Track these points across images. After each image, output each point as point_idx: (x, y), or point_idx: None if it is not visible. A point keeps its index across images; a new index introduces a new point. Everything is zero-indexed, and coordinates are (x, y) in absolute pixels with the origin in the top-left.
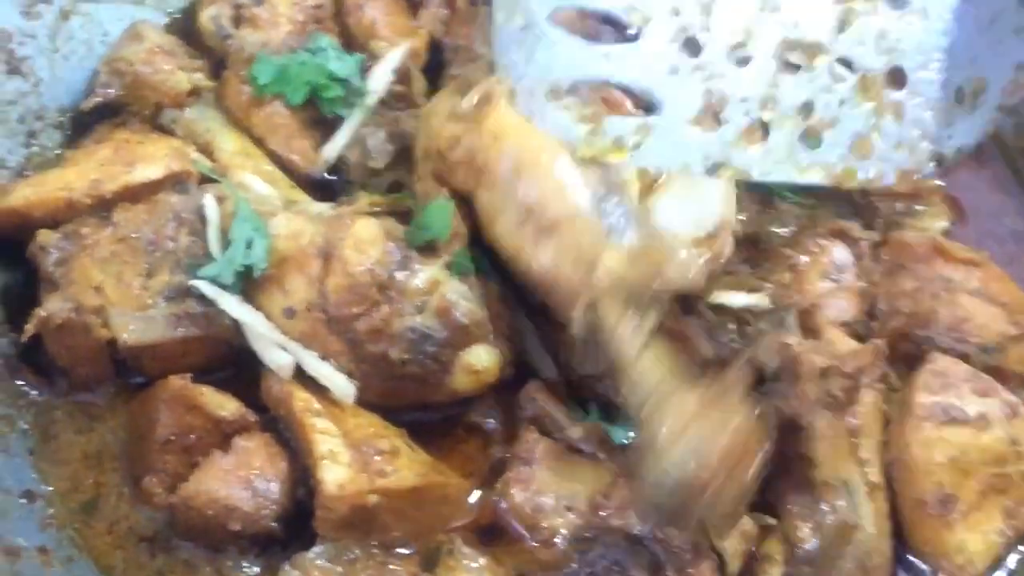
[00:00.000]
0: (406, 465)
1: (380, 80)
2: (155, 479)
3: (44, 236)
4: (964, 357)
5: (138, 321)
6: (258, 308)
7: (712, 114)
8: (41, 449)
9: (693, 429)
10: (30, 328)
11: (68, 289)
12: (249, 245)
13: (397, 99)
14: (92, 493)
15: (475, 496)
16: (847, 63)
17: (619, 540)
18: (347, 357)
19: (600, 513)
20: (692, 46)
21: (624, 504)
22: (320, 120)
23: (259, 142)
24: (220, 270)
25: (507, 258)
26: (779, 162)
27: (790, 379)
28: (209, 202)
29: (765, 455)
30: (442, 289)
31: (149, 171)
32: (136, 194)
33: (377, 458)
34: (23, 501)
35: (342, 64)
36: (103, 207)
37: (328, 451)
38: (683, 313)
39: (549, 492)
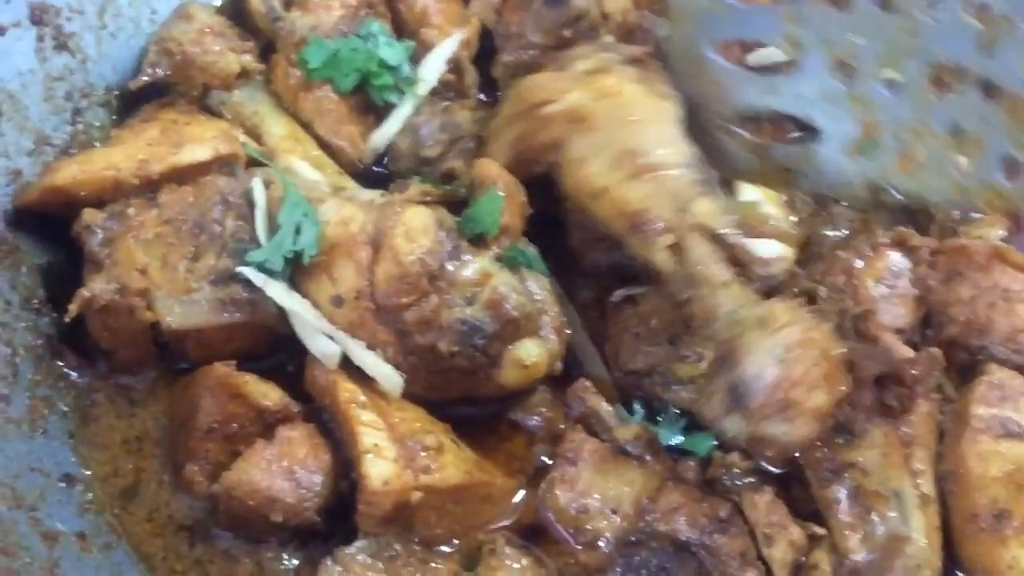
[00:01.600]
0: (451, 462)
1: (433, 69)
2: (196, 467)
3: (90, 215)
4: (1021, 369)
5: (183, 305)
6: (305, 295)
7: (870, 138)
8: (81, 432)
9: (801, 322)
10: (73, 308)
11: (113, 270)
12: (298, 231)
13: (447, 89)
14: (132, 479)
15: (519, 496)
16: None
17: (665, 546)
18: (395, 348)
19: (646, 517)
20: (846, 71)
21: (671, 509)
22: (369, 107)
23: (306, 127)
24: (268, 255)
25: (591, 199)
26: (933, 183)
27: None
28: (257, 186)
29: (845, 391)
30: (493, 281)
31: (197, 152)
32: (183, 175)
33: (422, 454)
34: (62, 485)
35: (392, 51)
36: (150, 188)
37: (373, 445)
38: None
39: (594, 494)
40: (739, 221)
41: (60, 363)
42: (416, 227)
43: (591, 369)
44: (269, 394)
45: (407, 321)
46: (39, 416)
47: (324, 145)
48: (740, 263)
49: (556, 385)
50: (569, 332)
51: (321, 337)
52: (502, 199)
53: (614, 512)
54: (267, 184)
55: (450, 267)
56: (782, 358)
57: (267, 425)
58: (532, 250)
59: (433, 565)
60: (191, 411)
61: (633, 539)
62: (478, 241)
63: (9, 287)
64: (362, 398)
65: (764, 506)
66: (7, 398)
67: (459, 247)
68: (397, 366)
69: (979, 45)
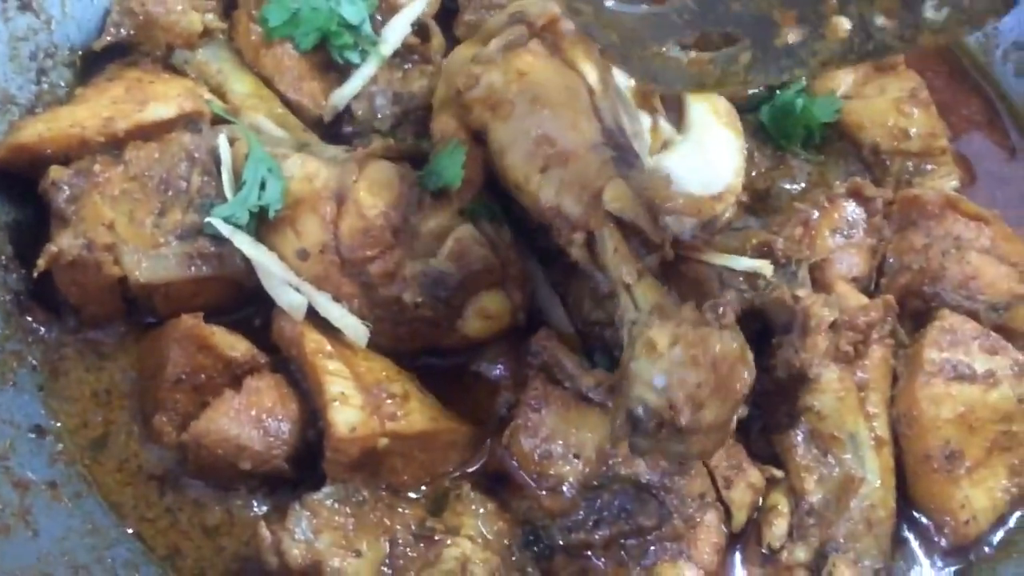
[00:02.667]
0: (416, 409)
1: (398, 30)
2: (165, 417)
3: (56, 172)
4: (972, 314)
5: (150, 259)
6: (271, 249)
7: None
8: (51, 386)
9: (683, 341)
10: (41, 264)
11: (79, 226)
12: (263, 186)
13: (410, 52)
14: (101, 431)
15: (484, 443)
16: None
17: (627, 488)
18: (360, 300)
19: (608, 461)
20: None
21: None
22: (331, 65)
23: (268, 83)
24: (234, 210)
25: (514, 189)
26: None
27: (800, 332)
28: (223, 142)
29: (750, 383)
30: (456, 234)
31: (161, 110)
32: (148, 133)
33: (388, 401)
34: (32, 436)
35: (354, 9)
36: (115, 145)
37: (339, 393)
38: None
39: (557, 440)
40: (650, 199)
41: (29, 318)
42: (379, 181)
43: (553, 320)
44: (236, 345)
45: (372, 273)
46: (8, 370)
47: (286, 102)
48: (653, 245)
49: (520, 335)
50: (531, 283)
51: (287, 289)
52: (464, 152)
53: (576, 457)
54: (232, 141)
55: (413, 220)
56: (665, 385)
57: (235, 376)
58: (494, 204)
59: (400, 510)
60: (159, 363)
61: (595, 483)
62: (440, 195)
63: None
64: (328, 348)
65: (724, 449)
66: None
67: (422, 200)
68: (363, 318)
69: None
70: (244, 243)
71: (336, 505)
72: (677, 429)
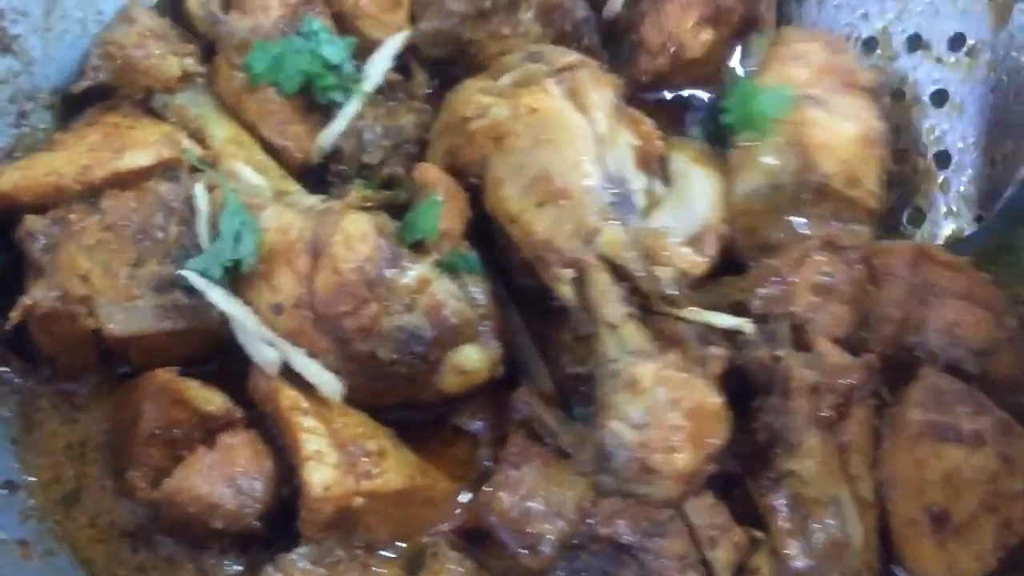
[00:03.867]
0: (393, 467)
1: (378, 67)
2: (138, 473)
3: (32, 222)
4: (957, 362)
5: (125, 312)
6: (246, 303)
7: None
8: (24, 438)
9: (667, 383)
10: (15, 316)
11: (54, 276)
12: (237, 238)
13: (393, 89)
14: (74, 485)
15: (462, 499)
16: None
17: (607, 548)
18: (335, 355)
19: (588, 520)
20: None
21: (612, 512)
22: (314, 106)
23: (251, 128)
24: (208, 263)
25: (506, 222)
26: None
27: (780, 394)
28: (199, 192)
29: (723, 441)
30: (432, 288)
31: (139, 158)
32: (125, 181)
33: (364, 459)
34: (4, 492)
35: (334, 49)
36: (92, 193)
37: (314, 451)
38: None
39: (537, 497)
40: (643, 250)
41: (4, 368)
42: (354, 234)
43: (533, 373)
44: (212, 399)
45: (346, 329)
46: None
47: (269, 147)
48: (642, 294)
49: (499, 389)
50: (511, 336)
51: (262, 344)
52: (441, 204)
53: (556, 515)
54: (210, 189)
55: (389, 274)
56: (643, 423)
57: (210, 430)
58: (473, 254)
59: (375, 569)
60: (133, 417)
61: (575, 542)
62: (418, 247)
63: None
64: (304, 404)
65: (706, 509)
66: None
67: (398, 253)
68: (338, 373)
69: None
70: (218, 297)
71: (309, 565)
72: (647, 469)
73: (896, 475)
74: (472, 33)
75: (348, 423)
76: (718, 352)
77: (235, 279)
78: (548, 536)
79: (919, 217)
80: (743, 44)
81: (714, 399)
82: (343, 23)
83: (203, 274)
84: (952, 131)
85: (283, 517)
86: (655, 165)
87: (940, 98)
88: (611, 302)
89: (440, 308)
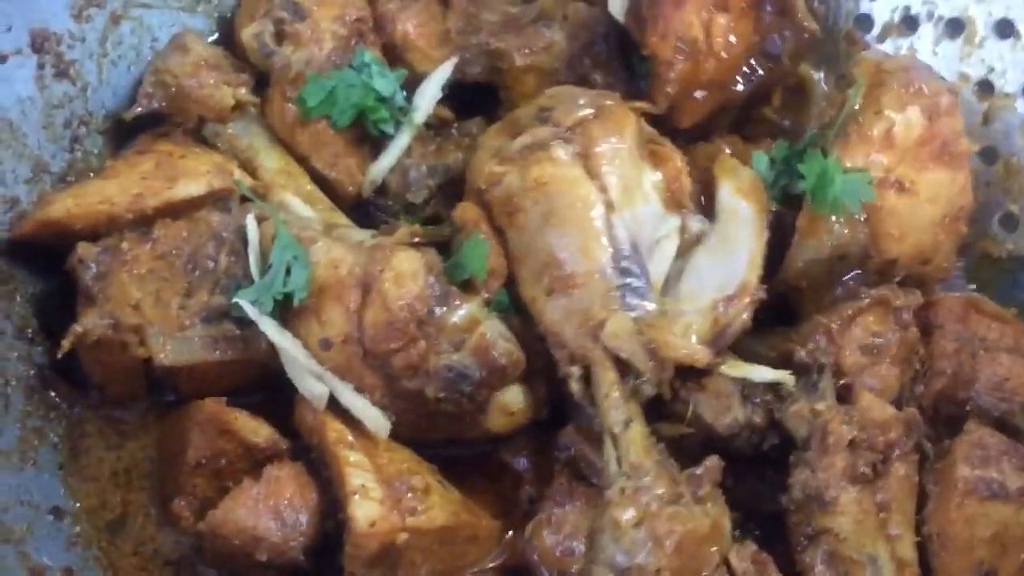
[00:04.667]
0: (437, 503)
1: (427, 98)
2: (184, 502)
3: (84, 250)
4: (1008, 416)
5: (175, 342)
6: (295, 336)
7: None
8: (70, 464)
9: (648, 521)
10: (66, 344)
11: (106, 305)
12: (288, 271)
13: (443, 124)
14: (119, 512)
15: (506, 538)
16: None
17: None
18: (382, 392)
19: None
20: None
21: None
22: (365, 137)
23: (303, 160)
24: (259, 294)
25: (527, 303)
26: None
27: (817, 450)
28: (251, 223)
29: (721, 556)
30: (481, 328)
31: (191, 187)
32: (178, 210)
33: (409, 495)
34: (51, 518)
35: (386, 81)
36: (144, 222)
37: (360, 486)
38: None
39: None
40: (648, 342)
41: (52, 393)
42: (405, 272)
43: (577, 413)
44: (259, 431)
45: (394, 366)
46: (30, 447)
47: (321, 179)
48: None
49: (544, 427)
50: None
51: (310, 377)
52: (487, 244)
53: None
54: (260, 220)
55: (438, 312)
56: (626, 567)
57: (256, 461)
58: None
59: None
60: (180, 446)
61: None
62: (467, 286)
63: (3, 316)
64: (350, 438)
65: (751, 555)
66: None
67: (448, 292)
68: (384, 409)
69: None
70: (270, 328)
71: None
72: None
73: (945, 533)
74: (502, 42)
75: (394, 459)
76: (713, 463)
77: (285, 312)
78: None
79: (1012, 222)
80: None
81: (703, 522)
82: (392, 55)
83: (254, 305)
84: None
85: (327, 551)
86: (688, 201)
87: None
88: (613, 407)
89: (489, 348)
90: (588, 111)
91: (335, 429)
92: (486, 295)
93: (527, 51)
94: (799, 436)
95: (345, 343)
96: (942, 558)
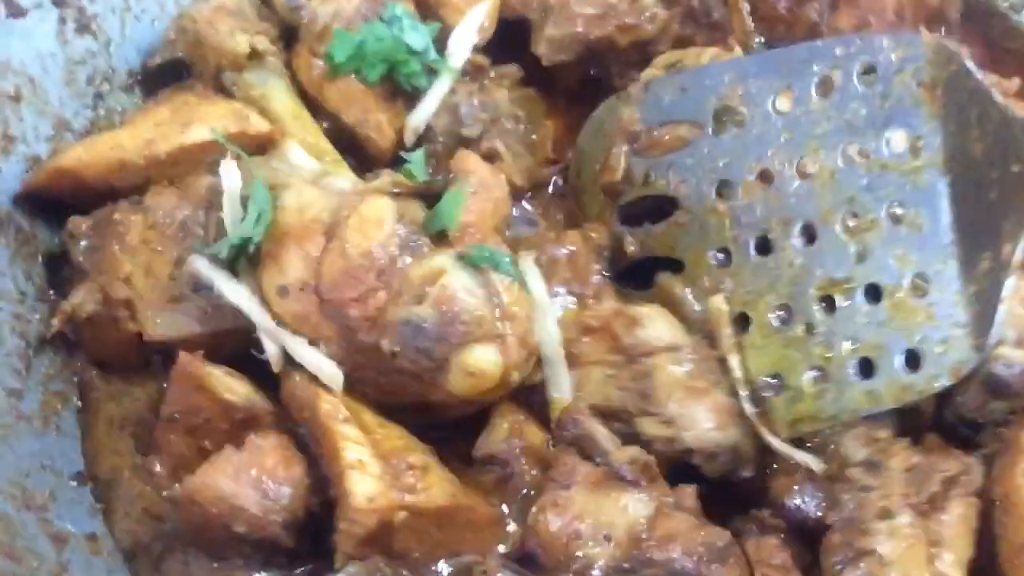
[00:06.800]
0: (436, 483)
1: (462, 44)
2: (157, 459)
3: (74, 223)
4: None
5: (165, 315)
6: (259, 285)
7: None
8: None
9: None
10: (56, 322)
11: (97, 279)
12: (259, 220)
13: (479, 71)
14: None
15: (509, 526)
16: (876, 288)
17: (659, 574)
18: (339, 345)
19: (641, 544)
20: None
21: (667, 536)
22: (397, 92)
23: (333, 117)
24: (221, 246)
25: None
26: (842, 401)
27: (875, 471)
28: (227, 170)
29: None
30: (444, 280)
31: (204, 132)
32: (191, 156)
33: (408, 473)
34: (73, 484)
35: (417, 35)
36: (156, 168)
37: (357, 460)
38: None
39: (587, 519)
40: None
41: (74, 357)
42: (370, 218)
43: (554, 392)
44: (235, 388)
45: (351, 316)
46: (52, 412)
47: (352, 135)
48: None
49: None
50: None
51: (263, 333)
52: (464, 196)
53: (607, 539)
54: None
55: (402, 262)
56: None
57: (235, 423)
58: (506, 253)
59: None
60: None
61: (626, 566)
62: (440, 238)
63: (24, 278)
64: (344, 413)
65: (768, 547)
66: (19, 393)
67: (417, 242)
68: (341, 363)
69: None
70: (221, 284)
71: None
72: None
73: (1009, 499)
74: (600, 31)
75: (389, 435)
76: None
77: (247, 260)
78: (598, 561)
79: None
80: None
81: None
82: (425, 10)
83: (216, 256)
84: None
85: (311, 531)
86: None
87: None
88: None
89: (450, 302)
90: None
91: (328, 402)
92: (461, 248)
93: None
94: (853, 459)
95: (302, 291)
96: (1005, 524)
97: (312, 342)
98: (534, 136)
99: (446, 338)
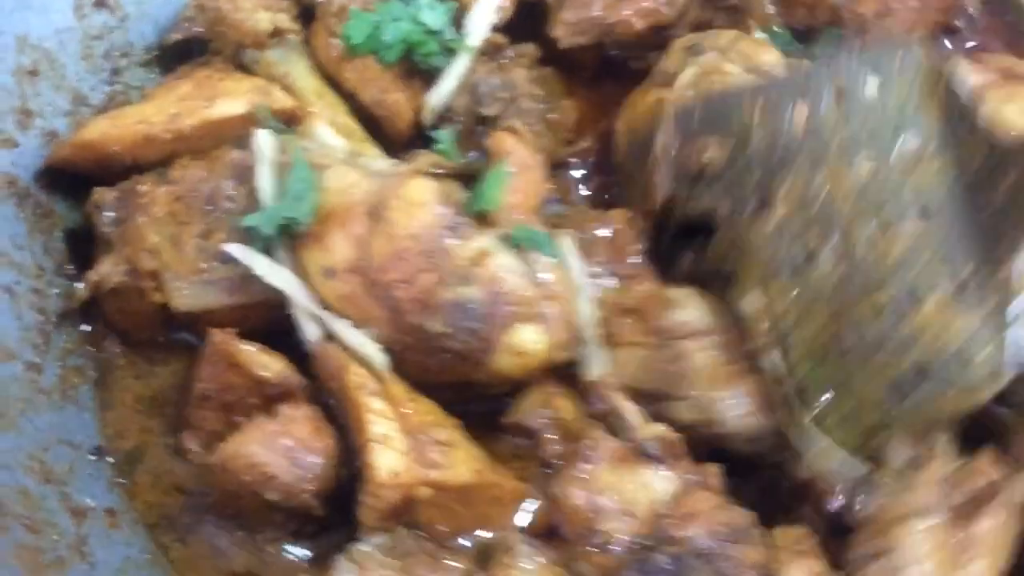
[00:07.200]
0: (462, 460)
1: (480, 21)
2: (190, 435)
3: (99, 195)
4: None
5: (193, 286)
6: (301, 265)
7: None
8: (105, 399)
9: None
10: (83, 292)
11: (123, 250)
12: (299, 198)
13: (498, 49)
14: (137, 442)
15: (532, 504)
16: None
17: (680, 552)
18: (386, 326)
19: (662, 522)
20: None
21: (689, 514)
22: (415, 71)
23: (350, 97)
24: (262, 220)
25: None
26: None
27: (912, 467)
28: (261, 139)
29: None
30: (489, 260)
31: (230, 106)
32: (217, 130)
33: (434, 448)
34: (92, 458)
35: (435, 14)
36: (181, 143)
37: (382, 434)
38: None
39: (609, 494)
40: None
41: (89, 328)
42: (415, 200)
43: (586, 372)
44: (269, 365)
45: (399, 298)
46: (70, 386)
47: (369, 116)
48: None
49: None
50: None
51: (304, 315)
52: (506, 176)
53: (629, 514)
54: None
55: (448, 243)
56: None
57: (268, 398)
58: (545, 233)
59: (446, 562)
60: (191, 378)
61: (647, 543)
62: (483, 219)
63: (43, 252)
64: (372, 385)
65: (797, 535)
66: (38, 367)
67: (461, 223)
68: (389, 345)
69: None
70: (259, 265)
71: (382, 556)
72: None
73: None
74: (616, 15)
75: (418, 409)
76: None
77: (291, 240)
78: (620, 535)
79: None
80: None
81: None
82: None
83: (255, 231)
84: None
85: (339, 502)
86: None
87: None
88: None
89: (497, 283)
90: (734, 32)
91: (357, 374)
92: (505, 229)
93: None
94: (895, 461)
95: (349, 272)
96: None
97: (356, 325)
98: (553, 115)
99: (493, 318)
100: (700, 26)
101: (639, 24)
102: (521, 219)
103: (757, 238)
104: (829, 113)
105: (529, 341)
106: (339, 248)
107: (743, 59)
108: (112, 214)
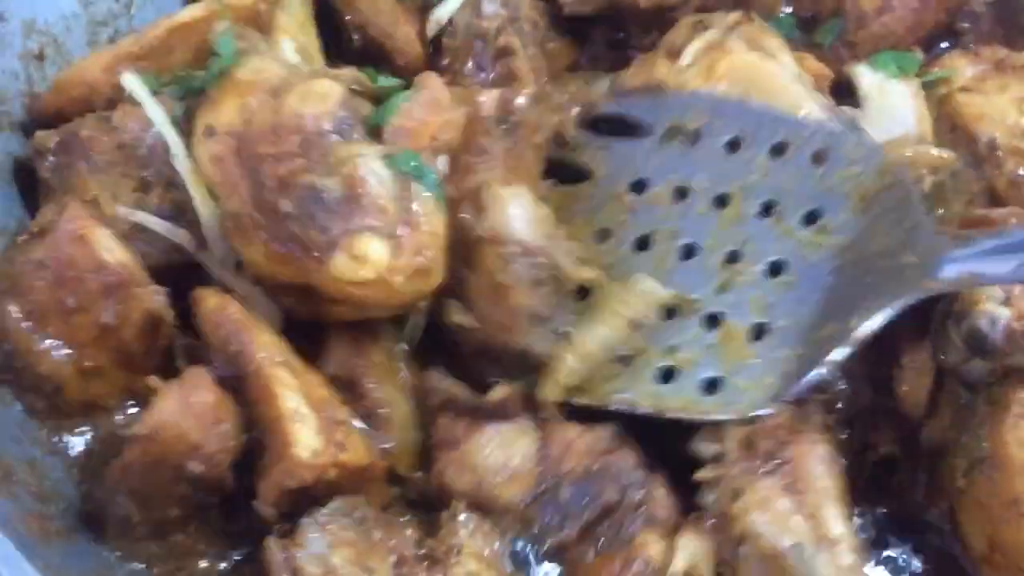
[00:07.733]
0: (359, 440)
1: None
2: (16, 301)
3: (41, 139)
4: None
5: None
6: (194, 124)
7: None
8: None
9: None
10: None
11: (62, 200)
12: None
13: None
14: None
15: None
16: (717, 317)
17: (575, 480)
18: (245, 198)
19: (546, 466)
20: None
21: (564, 447)
22: (426, 7)
23: (362, 30)
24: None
25: None
26: (624, 391)
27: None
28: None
29: None
30: (360, 161)
31: (190, 10)
32: (182, 36)
33: (338, 428)
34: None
35: None
36: (148, 57)
37: (295, 411)
38: None
39: (487, 465)
40: None
41: None
42: (317, 92)
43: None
44: (114, 251)
45: (263, 172)
46: None
47: (379, 46)
48: None
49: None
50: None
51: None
52: (403, 98)
53: (513, 476)
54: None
55: (330, 141)
56: None
57: (104, 287)
58: (433, 173)
59: (398, 528)
60: None
61: (545, 486)
62: (375, 133)
63: None
64: (281, 355)
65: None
66: None
67: (351, 127)
68: (241, 213)
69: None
70: (148, 104)
71: (344, 520)
72: None
73: (997, 456)
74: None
75: (314, 382)
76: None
77: (192, 102)
78: (517, 496)
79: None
80: None
81: None
82: None
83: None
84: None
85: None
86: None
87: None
88: None
89: (357, 183)
90: (739, 13)
91: (264, 342)
92: (390, 148)
93: None
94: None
95: (227, 135)
96: (995, 481)
97: (219, 191)
98: (551, 45)
99: (343, 216)
100: (705, 10)
101: (643, 1)
102: (411, 146)
103: (613, 206)
104: (760, 157)
105: (371, 251)
106: (227, 110)
107: (747, 39)
108: (54, 159)
